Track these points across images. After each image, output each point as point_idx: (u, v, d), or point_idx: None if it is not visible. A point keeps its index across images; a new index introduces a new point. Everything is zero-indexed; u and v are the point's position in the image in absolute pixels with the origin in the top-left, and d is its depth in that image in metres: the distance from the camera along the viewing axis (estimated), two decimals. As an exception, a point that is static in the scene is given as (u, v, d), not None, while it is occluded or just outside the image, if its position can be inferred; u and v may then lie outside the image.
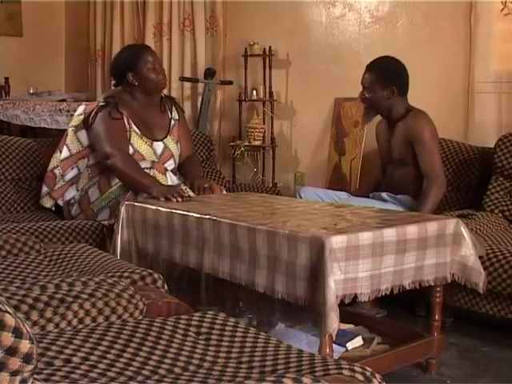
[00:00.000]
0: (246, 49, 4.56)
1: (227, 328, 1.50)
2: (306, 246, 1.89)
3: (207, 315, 1.55)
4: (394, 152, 3.18)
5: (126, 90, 3.21)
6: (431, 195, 2.95)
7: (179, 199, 2.68)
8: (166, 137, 3.26)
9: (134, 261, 2.55)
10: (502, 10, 3.47)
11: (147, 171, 2.97)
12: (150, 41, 5.18)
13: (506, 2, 3.46)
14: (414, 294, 2.33)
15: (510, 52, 3.47)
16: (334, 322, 1.82)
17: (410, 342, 2.27)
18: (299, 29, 4.50)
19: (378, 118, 3.34)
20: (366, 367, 1.31)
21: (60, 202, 3.31)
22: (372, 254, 1.94)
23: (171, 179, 3.03)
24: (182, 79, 4.83)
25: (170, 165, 3.24)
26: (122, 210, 2.68)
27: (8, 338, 0.84)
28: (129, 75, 3.16)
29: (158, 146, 3.21)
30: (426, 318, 2.64)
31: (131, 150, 3.10)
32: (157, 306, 1.63)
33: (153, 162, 3.09)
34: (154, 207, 2.56)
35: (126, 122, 3.12)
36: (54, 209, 3.37)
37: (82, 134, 3.21)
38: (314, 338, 2.15)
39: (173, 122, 3.33)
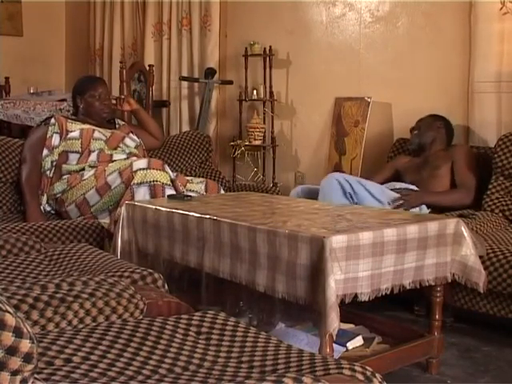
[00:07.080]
0: (246, 48, 4.55)
1: (227, 328, 1.50)
2: (307, 246, 1.89)
3: (207, 315, 1.55)
4: (425, 173, 3.40)
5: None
6: (454, 194, 3.26)
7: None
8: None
9: (134, 260, 2.54)
10: (501, 9, 3.46)
11: (143, 172, 2.99)
12: (149, 40, 5.18)
13: (504, 1, 3.45)
14: (414, 294, 2.33)
15: (510, 52, 3.46)
16: (334, 322, 1.82)
17: (410, 342, 2.27)
18: (299, 28, 4.50)
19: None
20: (367, 367, 1.31)
21: (43, 200, 3.35)
22: (372, 253, 1.94)
23: (170, 173, 3.11)
24: (183, 79, 4.82)
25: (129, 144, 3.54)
26: (122, 209, 2.68)
27: (8, 338, 0.84)
28: (77, 98, 3.57)
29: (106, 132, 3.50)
30: (426, 317, 2.63)
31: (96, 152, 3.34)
32: (157, 306, 1.63)
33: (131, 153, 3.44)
34: (154, 207, 2.56)
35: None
36: (54, 210, 3.38)
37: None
38: (315, 338, 2.15)
39: (117, 126, 3.68)
